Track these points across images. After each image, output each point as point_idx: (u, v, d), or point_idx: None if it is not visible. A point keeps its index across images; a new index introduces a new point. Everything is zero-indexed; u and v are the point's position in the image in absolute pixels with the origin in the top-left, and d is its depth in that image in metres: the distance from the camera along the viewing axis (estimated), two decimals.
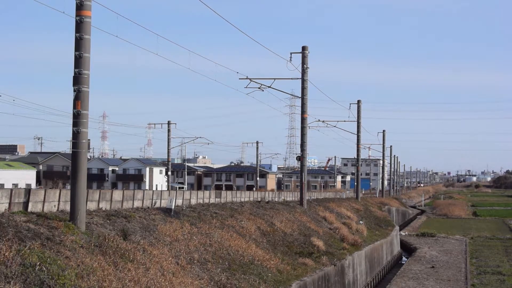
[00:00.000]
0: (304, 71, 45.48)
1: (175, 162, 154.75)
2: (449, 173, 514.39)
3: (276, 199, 50.74)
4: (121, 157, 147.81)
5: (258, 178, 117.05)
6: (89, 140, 21.02)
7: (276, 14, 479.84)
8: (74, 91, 19.78)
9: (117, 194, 25.36)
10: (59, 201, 21.23)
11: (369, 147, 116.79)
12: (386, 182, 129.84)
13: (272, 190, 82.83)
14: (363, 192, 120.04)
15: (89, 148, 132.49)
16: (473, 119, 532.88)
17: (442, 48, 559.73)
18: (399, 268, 51.86)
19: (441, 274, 46.45)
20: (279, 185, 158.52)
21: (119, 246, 18.95)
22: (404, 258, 61.20)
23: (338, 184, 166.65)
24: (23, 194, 19.65)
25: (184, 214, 27.84)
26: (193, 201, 33.82)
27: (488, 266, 49.40)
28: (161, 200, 29.05)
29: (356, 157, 79.07)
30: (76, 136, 19.81)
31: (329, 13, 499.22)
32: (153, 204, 28.10)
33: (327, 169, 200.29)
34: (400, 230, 76.00)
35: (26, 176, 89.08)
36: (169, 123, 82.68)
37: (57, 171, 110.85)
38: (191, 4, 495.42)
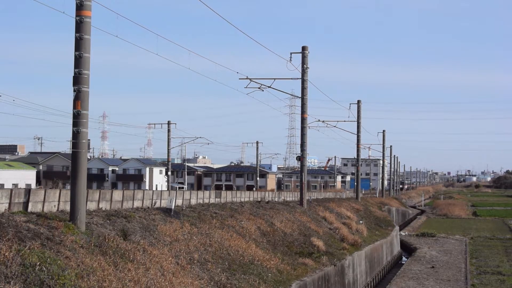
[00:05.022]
0: (304, 71, 45.48)
1: (175, 162, 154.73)
2: (449, 173, 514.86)
3: (276, 199, 50.75)
4: (121, 157, 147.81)
5: (258, 178, 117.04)
6: (89, 140, 21.05)
7: (276, 14, 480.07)
8: (74, 91, 19.78)
9: (117, 194, 25.35)
10: (59, 201, 21.22)
11: (369, 147, 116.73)
12: (386, 182, 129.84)
13: (272, 190, 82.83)
14: (363, 192, 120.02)
15: (89, 148, 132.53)
16: (473, 119, 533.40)
17: (442, 48, 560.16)
18: (399, 268, 51.87)
19: (441, 274, 46.45)
20: (279, 185, 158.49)
21: (119, 246, 18.95)
22: (404, 258, 61.22)
23: (338, 184, 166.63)
24: (23, 194, 19.64)
25: (184, 214, 27.84)
26: (193, 201, 33.82)
27: (488, 266, 49.40)
28: (161, 200, 29.04)
29: (356, 157, 79.07)
30: (76, 136, 19.81)
31: (329, 13, 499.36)
32: (153, 204, 28.10)
33: (327, 169, 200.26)
34: (400, 230, 76.01)
35: (26, 176, 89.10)
36: (169, 123, 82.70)
37: (57, 171, 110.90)
38: (191, 4, 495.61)
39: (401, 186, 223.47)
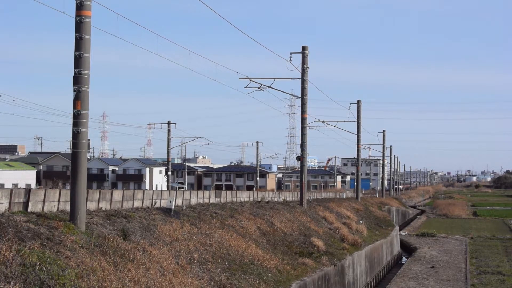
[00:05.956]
0: (304, 71, 45.47)
1: (175, 162, 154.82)
2: (449, 173, 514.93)
3: (276, 199, 50.74)
4: (121, 157, 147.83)
5: (258, 178, 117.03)
6: (89, 140, 20.97)
7: (276, 14, 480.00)
8: (74, 91, 19.78)
9: (117, 194, 25.35)
10: (59, 201, 21.22)
11: (369, 147, 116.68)
12: (386, 182, 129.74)
13: (272, 190, 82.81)
14: (363, 192, 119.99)
15: (89, 148, 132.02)
16: (473, 119, 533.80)
17: (443, 48, 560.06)
18: (399, 268, 51.87)
19: (441, 274, 46.45)
20: (279, 185, 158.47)
21: (119, 246, 18.95)
22: (404, 258, 61.22)
23: (338, 184, 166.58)
24: (23, 194, 19.64)
25: (184, 214, 27.84)
26: (193, 201, 33.82)
27: (488, 266, 49.39)
28: (161, 200, 29.04)
29: (356, 157, 79.09)
30: (76, 136, 19.81)
31: (329, 13, 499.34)
32: (153, 204, 28.10)
33: (327, 169, 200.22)
34: (400, 230, 76.01)
35: (26, 176, 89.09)
36: (169, 123, 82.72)
37: (57, 171, 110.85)
38: (191, 4, 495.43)
39: (396, 186, 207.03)
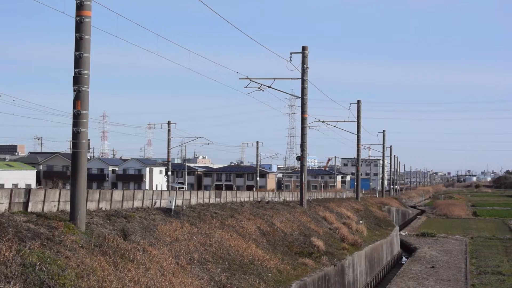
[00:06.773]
0: (304, 71, 45.49)
1: (175, 162, 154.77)
2: (449, 173, 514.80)
3: (276, 199, 50.74)
4: (121, 157, 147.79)
5: (258, 178, 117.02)
6: (89, 140, 21.00)
7: (276, 14, 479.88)
8: (74, 91, 19.78)
9: (117, 194, 25.35)
10: (59, 201, 21.22)
11: (369, 147, 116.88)
12: (386, 182, 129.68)
13: (272, 190, 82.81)
14: (363, 192, 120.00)
15: (89, 148, 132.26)
16: (473, 119, 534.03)
17: (443, 48, 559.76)
18: (399, 268, 51.88)
19: (441, 274, 46.46)
20: (279, 185, 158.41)
21: (119, 246, 18.95)
22: (404, 258, 61.23)
23: (338, 184, 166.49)
24: (23, 194, 19.64)
25: (184, 214, 27.84)
26: (193, 201, 33.82)
27: (488, 266, 49.39)
28: (161, 200, 29.05)
29: (356, 157, 79.12)
30: (76, 136, 19.81)
31: (329, 13, 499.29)
32: (153, 204, 28.10)
33: (327, 169, 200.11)
34: (400, 230, 76.01)
35: (26, 176, 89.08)
36: (169, 123, 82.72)
37: (57, 171, 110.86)
38: (191, 4, 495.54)
39: (392, 186, 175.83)
